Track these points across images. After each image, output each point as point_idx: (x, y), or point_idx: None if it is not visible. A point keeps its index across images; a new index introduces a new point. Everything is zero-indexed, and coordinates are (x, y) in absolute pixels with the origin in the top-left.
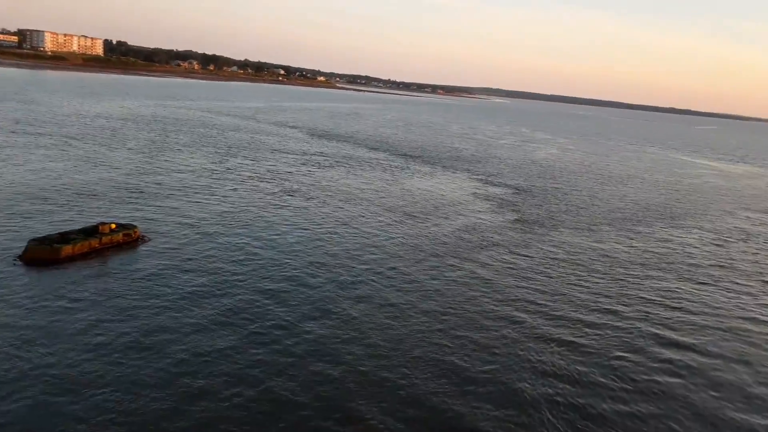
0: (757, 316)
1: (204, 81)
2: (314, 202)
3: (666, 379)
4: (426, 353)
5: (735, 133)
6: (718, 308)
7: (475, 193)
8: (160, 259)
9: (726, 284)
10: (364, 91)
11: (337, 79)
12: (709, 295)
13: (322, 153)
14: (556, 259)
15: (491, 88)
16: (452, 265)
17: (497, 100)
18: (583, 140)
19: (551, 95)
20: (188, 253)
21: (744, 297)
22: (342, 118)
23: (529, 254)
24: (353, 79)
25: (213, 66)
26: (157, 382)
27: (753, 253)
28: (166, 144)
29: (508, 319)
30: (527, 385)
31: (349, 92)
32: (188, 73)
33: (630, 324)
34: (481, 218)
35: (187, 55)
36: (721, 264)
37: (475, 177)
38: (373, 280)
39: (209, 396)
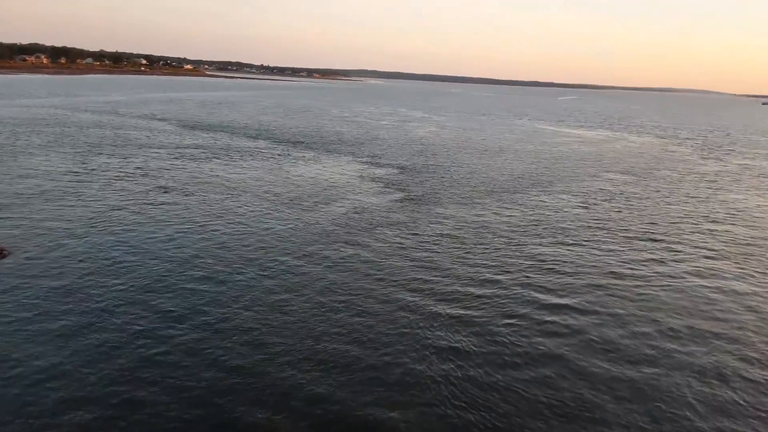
0: (623, 271)
1: (56, 76)
2: (192, 199)
3: (549, 341)
4: (315, 345)
5: (594, 102)
6: (590, 267)
7: (361, 175)
8: (23, 272)
9: (594, 243)
10: (237, 77)
11: (206, 66)
12: (581, 256)
13: (196, 145)
14: (441, 234)
15: (367, 70)
16: (340, 251)
17: (373, 82)
18: (458, 117)
19: (425, 75)
20: (54, 264)
21: (610, 254)
22: (215, 107)
23: (416, 232)
24: (224, 66)
25: (65, 59)
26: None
27: (616, 212)
28: (17, 147)
29: (399, 301)
30: (423, 366)
31: (220, 80)
32: (36, 69)
33: (513, 291)
34: (367, 200)
35: (33, 49)
36: (589, 225)
37: (359, 159)
38: (255, 273)
39: (64, 411)
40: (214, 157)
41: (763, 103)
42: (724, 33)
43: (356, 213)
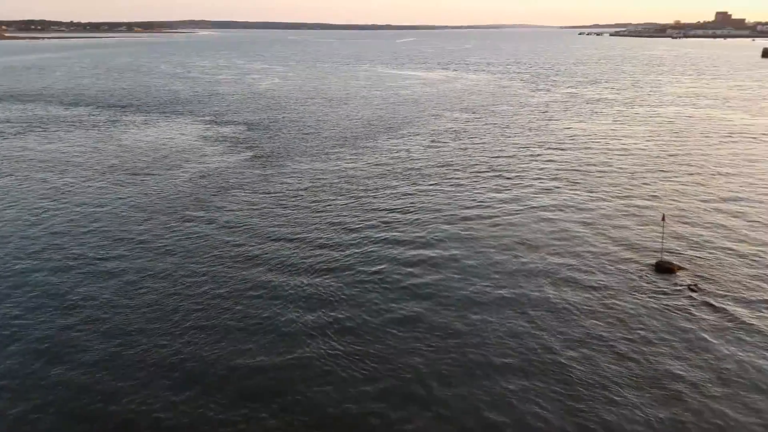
0: (474, 204)
1: None
2: (8, 180)
3: (419, 280)
4: (183, 321)
5: (431, 43)
6: (445, 204)
7: (204, 136)
8: None
9: (446, 181)
10: (43, 38)
11: (4, 27)
12: (435, 194)
13: (4, 120)
14: (297, 189)
15: (195, 20)
16: (191, 218)
17: (204, 33)
18: (300, 66)
19: (259, 23)
20: None
21: (462, 190)
22: (22, 73)
23: (270, 191)
24: (26, 26)
25: None
26: None
27: (462, 149)
28: None
29: (263, 263)
30: (299, 324)
31: (24, 42)
32: None
33: (377, 235)
34: (215, 161)
35: None
36: (440, 164)
37: (200, 119)
38: (97, 256)
39: None
40: (30, 131)
41: (579, 33)
42: None
43: (203, 177)
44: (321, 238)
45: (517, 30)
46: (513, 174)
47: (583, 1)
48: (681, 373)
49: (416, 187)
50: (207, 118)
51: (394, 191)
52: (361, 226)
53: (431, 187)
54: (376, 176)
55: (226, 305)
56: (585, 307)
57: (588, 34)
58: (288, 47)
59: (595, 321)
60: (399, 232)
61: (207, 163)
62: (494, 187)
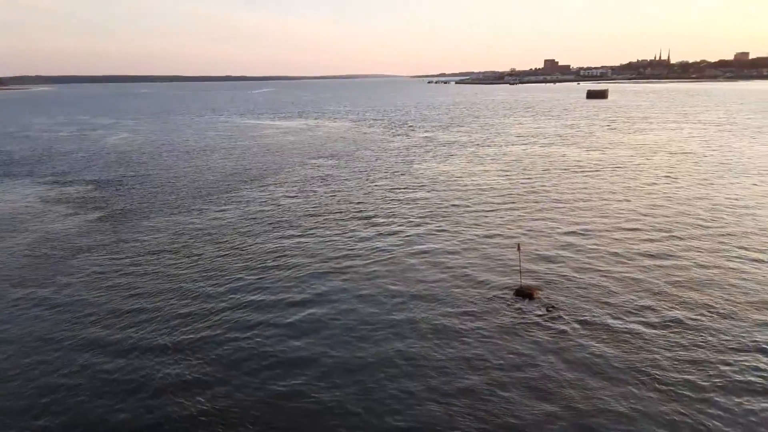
0: (345, 252)
1: None
2: None
3: (294, 340)
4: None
5: (289, 93)
6: (315, 254)
7: (45, 198)
8: None
9: (315, 230)
10: None
11: None
12: (307, 243)
13: None
14: (154, 249)
15: (28, 76)
16: (23, 297)
17: (39, 89)
18: (153, 119)
19: (104, 76)
20: None
21: (332, 238)
22: None
23: (120, 253)
24: None
25: None
26: None
27: (331, 195)
28: None
29: (111, 344)
30: (160, 403)
31: None
32: None
33: (245, 297)
34: (58, 226)
35: None
36: (308, 212)
37: (40, 179)
38: None
39: None
40: None
41: (428, 82)
42: (384, 25)
43: (45, 244)
44: (184, 303)
45: (371, 80)
46: (382, 217)
47: (430, 52)
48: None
49: (287, 238)
50: (48, 178)
51: (263, 245)
52: (228, 286)
53: (302, 236)
54: (243, 229)
55: (74, 399)
56: (453, 333)
57: (436, 82)
58: (139, 100)
59: (463, 344)
60: (271, 287)
61: (49, 228)
62: (365, 231)
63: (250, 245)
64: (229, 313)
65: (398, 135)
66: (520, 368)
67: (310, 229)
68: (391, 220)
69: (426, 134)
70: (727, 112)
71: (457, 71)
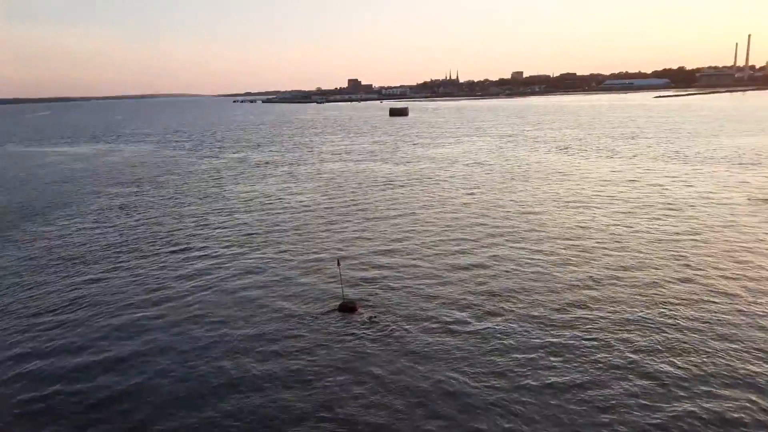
0: (158, 286)
1: None
2: None
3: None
4: None
5: (69, 115)
6: (123, 292)
7: None
8: None
9: (122, 264)
10: None
11: None
12: (109, 281)
13: None
14: None
15: None
16: None
17: None
18: None
19: None
20: None
21: (141, 272)
22: None
23: None
24: None
25: None
26: None
27: (133, 226)
28: None
29: None
30: None
31: None
32: None
33: (37, 346)
34: None
35: None
36: (108, 245)
37: None
38: None
39: None
40: None
41: (234, 101)
42: (187, 44)
43: None
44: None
45: (172, 99)
46: (196, 244)
47: (236, 72)
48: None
49: (83, 277)
50: None
51: (53, 288)
52: (13, 339)
53: (103, 275)
54: (27, 273)
55: None
56: (280, 354)
57: (242, 102)
58: None
59: (288, 363)
60: (69, 333)
61: None
62: (178, 260)
63: (37, 290)
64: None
65: (207, 157)
66: (344, 381)
67: (114, 265)
68: (206, 246)
69: (237, 155)
70: (511, 126)
71: (263, 90)
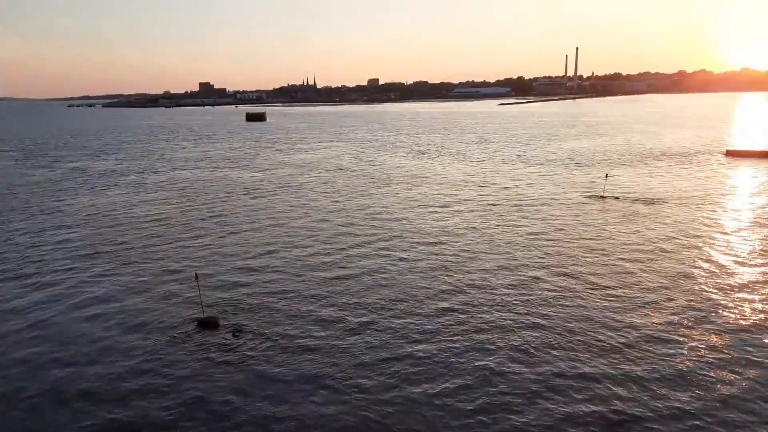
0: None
1: None
2: None
3: None
4: None
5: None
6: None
7: None
8: None
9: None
10: None
11: None
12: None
13: None
14: None
15: None
16: None
17: None
18: None
19: None
20: None
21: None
22: None
23: None
24: None
25: None
26: None
27: None
28: None
29: None
30: None
31: None
32: None
33: None
34: None
35: None
36: None
37: None
38: None
39: None
40: None
41: (69, 106)
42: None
43: None
44: None
45: None
46: (29, 269)
47: (71, 73)
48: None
49: None
50: None
51: None
52: None
53: None
54: None
55: None
56: (136, 377)
57: (79, 106)
58: None
59: (140, 383)
60: None
61: None
62: (8, 293)
63: None
64: None
65: (39, 167)
66: (199, 399)
67: None
68: (40, 269)
69: (75, 164)
70: (371, 131)
71: (103, 93)
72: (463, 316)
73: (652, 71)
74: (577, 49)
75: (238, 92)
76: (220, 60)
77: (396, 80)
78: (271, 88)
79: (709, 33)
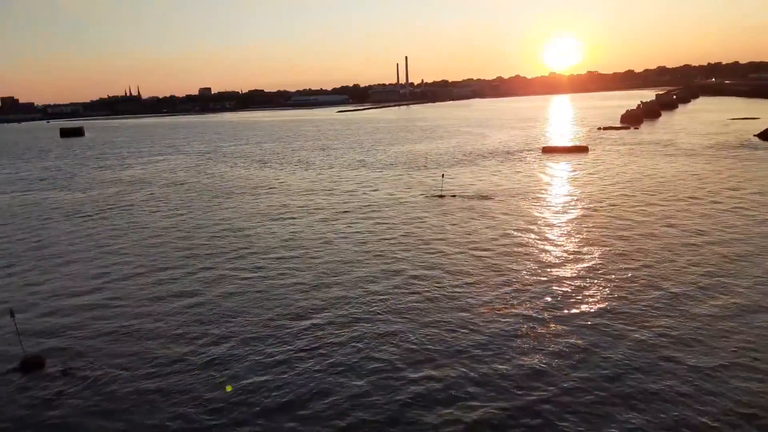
0: None
1: None
2: None
3: None
4: None
5: None
6: None
7: None
8: None
9: None
10: None
11: None
12: None
13: None
14: None
15: None
16: None
17: None
18: None
19: None
20: None
21: None
22: None
23: None
24: None
25: None
26: None
27: None
28: None
29: None
30: None
31: None
32: None
33: None
34: None
35: None
36: None
37: None
38: None
39: None
40: None
41: None
42: None
43: None
44: None
45: None
46: None
47: None
48: None
49: None
50: None
51: None
52: None
53: None
54: None
55: None
56: None
57: None
58: None
59: None
60: None
61: None
62: None
63: None
64: None
65: None
66: None
67: None
68: None
69: None
70: (208, 142)
71: None
72: (321, 333)
73: (475, 78)
74: (406, 57)
75: (49, 106)
76: (26, 72)
77: (230, 89)
78: (88, 100)
79: (521, 41)
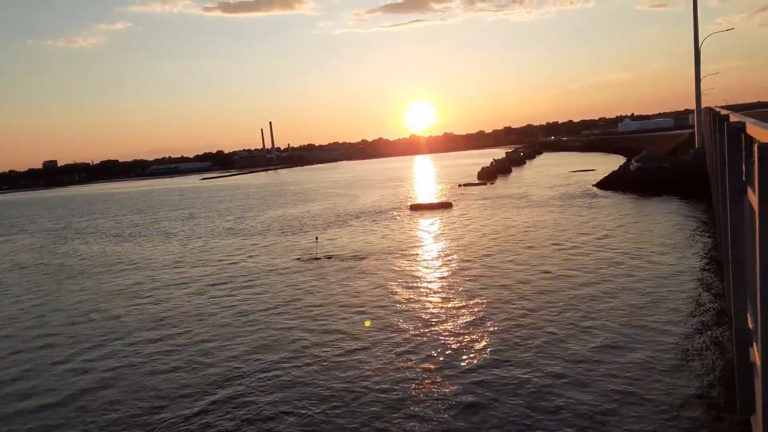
0: None
1: None
2: None
3: None
4: None
5: None
6: None
7: None
8: None
9: None
10: None
11: None
12: None
13: None
14: None
15: None
16: None
17: None
18: None
19: None
20: None
21: None
22: None
23: None
24: None
25: None
26: None
27: None
28: None
29: None
30: None
31: None
32: None
33: None
34: None
35: None
36: None
37: None
38: None
39: None
40: None
41: None
42: None
43: None
44: None
45: None
46: None
47: None
48: None
49: None
50: None
51: None
52: None
53: None
54: None
55: None
56: None
57: None
58: None
59: None
60: None
61: None
62: None
63: None
64: None
65: None
66: None
67: None
68: None
69: None
70: (55, 219)
71: None
72: (209, 419)
73: (341, 141)
74: (270, 123)
75: None
76: None
77: (79, 161)
78: None
79: (383, 105)
